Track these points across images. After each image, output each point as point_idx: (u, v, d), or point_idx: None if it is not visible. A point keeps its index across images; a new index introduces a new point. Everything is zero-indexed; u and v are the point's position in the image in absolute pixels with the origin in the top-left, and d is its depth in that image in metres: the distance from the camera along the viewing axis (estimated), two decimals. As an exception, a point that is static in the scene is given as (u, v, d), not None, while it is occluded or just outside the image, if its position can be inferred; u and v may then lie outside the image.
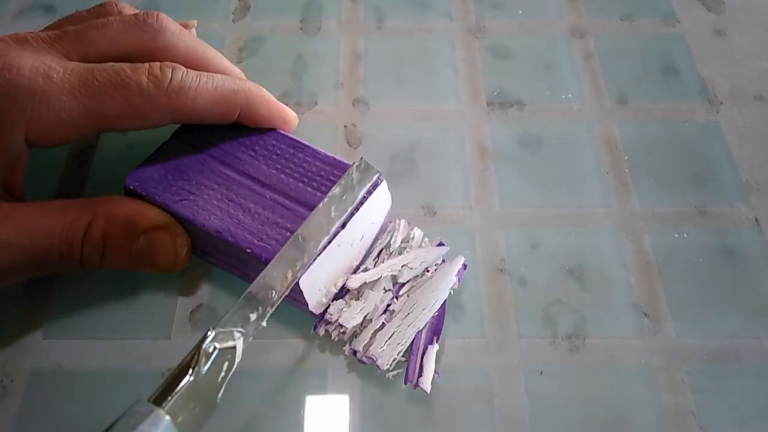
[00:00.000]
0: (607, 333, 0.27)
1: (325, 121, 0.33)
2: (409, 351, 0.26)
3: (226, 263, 0.27)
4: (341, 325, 0.26)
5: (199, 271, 0.28)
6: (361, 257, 0.27)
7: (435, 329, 0.26)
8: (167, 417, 0.19)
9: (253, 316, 0.23)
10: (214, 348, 0.21)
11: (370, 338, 0.25)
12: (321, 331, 0.26)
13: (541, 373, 0.26)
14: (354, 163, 0.26)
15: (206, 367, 0.21)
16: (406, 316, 0.26)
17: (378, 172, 0.27)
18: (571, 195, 0.31)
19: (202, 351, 0.21)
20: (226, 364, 0.22)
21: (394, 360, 0.25)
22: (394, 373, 0.25)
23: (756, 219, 0.30)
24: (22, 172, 0.25)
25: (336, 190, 0.26)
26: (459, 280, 0.27)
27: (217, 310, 0.27)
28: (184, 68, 0.26)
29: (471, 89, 0.34)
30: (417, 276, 0.27)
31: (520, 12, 0.38)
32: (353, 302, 0.26)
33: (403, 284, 0.27)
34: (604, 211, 0.30)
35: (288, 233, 0.25)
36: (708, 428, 0.25)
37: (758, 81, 0.35)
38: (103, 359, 0.26)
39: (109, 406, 0.25)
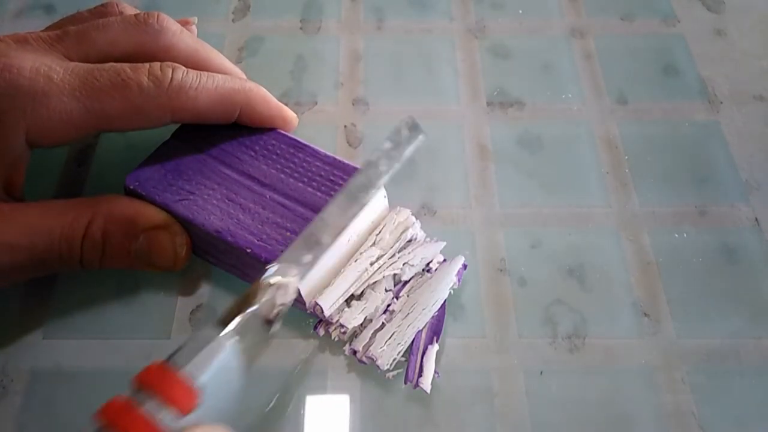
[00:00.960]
0: (607, 333, 0.27)
1: (325, 120, 0.33)
2: (409, 351, 0.26)
3: (225, 263, 0.27)
4: (341, 325, 0.26)
5: (199, 270, 0.28)
6: (356, 253, 0.27)
7: (435, 329, 0.26)
8: (232, 339, 0.20)
9: (306, 258, 0.23)
10: (272, 282, 0.22)
11: (370, 338, 0.25)
12: (321, 331, 0.26)
13: (541, 373, 0.26)
14: (404, 120, 0.26)
15: (264, 299, 0.21)
16: (406, 316, 0.26)
17: (424, 132, 0.26)
18: (571, 195, 0.31)
19: (263, 282, 0.22)
20: (280, 300, 0.22)
21: (394, 360, 0.25)
22: (394, 373, 0.25)
23: (756, 219, 0.30)
24: (22, 173, 0.25)
25: (387, 144, 0.26)
26: (459, 280, 0.27)
27: (217, 309, 0.27)
28: (184, 68, 0.26)
29: (471, 89, 0.34)
30: (418, 274, 0.27)
31: (520, 12, 0.38)
32: (354, 302, 0.26)
33: (405, 283, 0.27)
34: (604, 211, 0.30)
35: (288, 233, 0.25)
36: (708, 428, 0.25)
37: (758, 81, 0.35)
38: (103, 359, 0.26)
39: (109, 406, 0.25)
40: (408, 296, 0.27)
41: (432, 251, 0.27)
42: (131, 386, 0.19)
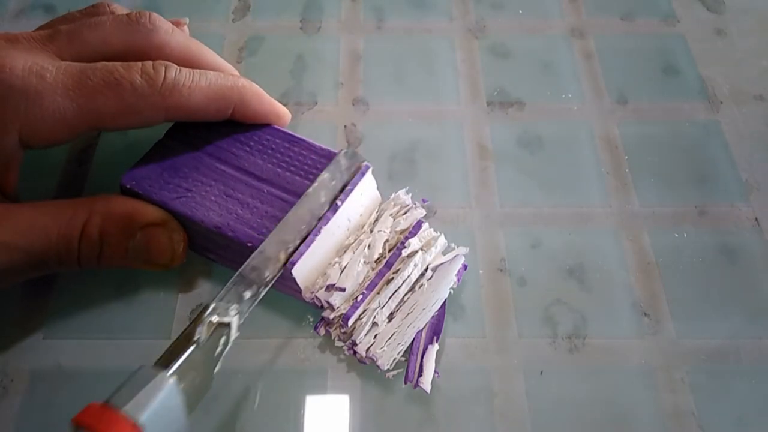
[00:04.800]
0: (607, 333, 0.27)
1: (325, 120, 0.33)
2: (409, 351, 0.26)
3: (226, 258, 0.27)
4: (342, 325, 0.26)
5: (198, 269, 0.28)
6: (350, 237, 0.27)
7: (435, 329, 0.26)
8: (172, 379, 0.20)
9: (247, 295, 0.23)
10: (214, 321, 0.22)
11: (371, 338, 0.25)
12: (321, 331, 0.26)
13: (541, 373, 0.26)
14: (341, 150, 0.27)
15: (206, 339, 0.22)
16: (406, 316, 0.26)
17: (364, 159, 0.27)
18: (571, 195, 0.31)
19: (204, 321, 0.22)
20: (223, 339, 0.22)
21: (394, 360, 0.25)
22: (394, 373, 0.25)
23: (756, 219, 0.30)
24: (16, 173, 0.25)
25: (325, 175, 0.26)
26: (459, 280, 0.27)
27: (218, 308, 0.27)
28: (177, 66, 0.26)
29: (471, 89, 0.34)
30: (422, 275, 0.27)
31: (520, 12, 0.38)
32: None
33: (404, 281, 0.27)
34: (604, 211, 0.30)
35: None
36: (708, 428, 0.25)
37: (758, 81, 0.35)
38: (103, 359, 0.26)
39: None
40: (408, 296, 0.27)
41: (441, 261, 0.27)
42: (70, 427, 0.18)
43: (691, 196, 0.31)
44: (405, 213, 0.28)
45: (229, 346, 0.22)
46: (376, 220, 0.28)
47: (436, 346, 0.26)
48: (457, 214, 0.30)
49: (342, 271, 0.26)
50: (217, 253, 0.28)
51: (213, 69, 0.28)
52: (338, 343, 0.26)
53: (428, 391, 0.25)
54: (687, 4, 0.38)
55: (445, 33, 0.37)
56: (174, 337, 0.26)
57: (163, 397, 0.19)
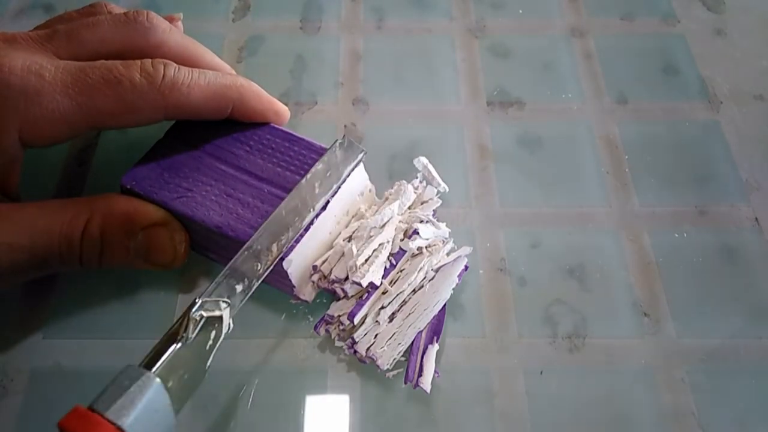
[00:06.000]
0: (607, 333, 0.27)
1: (325, 120, 0.33)
2: (409, 351, 0.26)
3: (227, 258, 0.27)
4: (341, 323, 0.26)
5: (198, 269, 0.28)
6: (343, 229, 0.27)
7: (435, 329, 0.26)
8: (158, 379, 0.20)
9: (239, 288, 0.23)
10: (201, 316, 0.22)
11: (371, 338, 0.25)
12: (321, 331, 0.26)
13: (541, 373, 0.26)
14: (336, 140, 0.27)
15: (194, 335, 0.21)
16: (408, 316, 0.26)
17: (363, 150, 0.27)
18: (571, 195, 0.31)
19: (189, 318, 0.21)
20: (214, 333, 0.22)
21: (394, 360, 0.25)
22: (394, 373, 0.25)
23: (756, 219, 0.30)
24: (17, 173, 0.25)
25: (319, 166, 0.26)
26: (459, 280, 0.27)
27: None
28: (175, 64, 0.26)
29: (471, 89, 0.34)
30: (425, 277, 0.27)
31: (520, 12, 0.38)
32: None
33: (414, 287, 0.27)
34: (604, 211, 0.30)
35: None
36: (708, 428, 0.25)
37: (758, 81, 0.35)
38: (103, 359, 0.26)
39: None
40: (410, 297, 0.27)
41: (446, 262, 0.27)
42: None
43: (691, 196, 0.31)
44: (422, 204, 0.28)
45: (221, 339, 0.22)
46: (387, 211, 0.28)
47: (436, 346, 0.26)
48: (457, 214, 0.30)
49: (368, 270, 0.26)
50: (217, 253, 0.28)
51: (210, 68, 0.28)
52: (338, 343, 0.26)
53: (428, 391, 0.25)
54: (687, 4, 0.38)
55: (445, 33, 0.37)
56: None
57: (149, 398, 0.19)
